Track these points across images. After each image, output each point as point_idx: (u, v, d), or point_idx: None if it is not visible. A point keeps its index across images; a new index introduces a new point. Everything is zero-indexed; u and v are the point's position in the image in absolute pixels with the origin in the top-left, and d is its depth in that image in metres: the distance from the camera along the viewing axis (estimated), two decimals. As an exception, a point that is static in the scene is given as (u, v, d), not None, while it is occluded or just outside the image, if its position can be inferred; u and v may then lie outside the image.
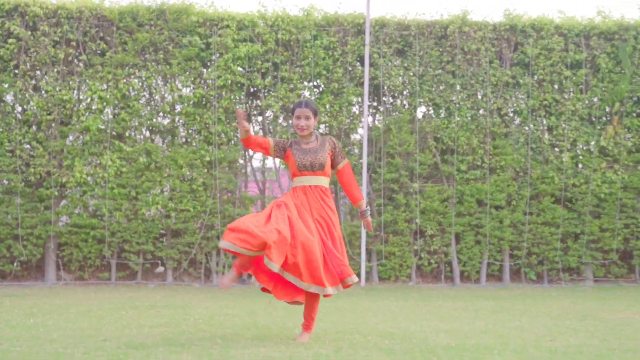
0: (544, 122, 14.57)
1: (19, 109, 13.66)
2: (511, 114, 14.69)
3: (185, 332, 7.59)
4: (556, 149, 14.58)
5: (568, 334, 7.76)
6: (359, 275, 13.99)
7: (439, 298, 11.77)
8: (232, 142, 14.08)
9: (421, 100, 14.37)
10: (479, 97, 14.48)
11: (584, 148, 14.61)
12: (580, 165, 14.60)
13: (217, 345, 6.62)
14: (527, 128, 14.53)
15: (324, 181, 7.01)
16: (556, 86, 14.58)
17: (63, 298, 11.18)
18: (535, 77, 14.52)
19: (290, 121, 14.28)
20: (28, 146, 13.68)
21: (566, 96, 14.49)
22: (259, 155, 14.31)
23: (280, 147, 7.08)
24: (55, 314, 9.02)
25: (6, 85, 13.47)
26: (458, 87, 14.34)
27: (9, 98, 13.64)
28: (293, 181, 7.10)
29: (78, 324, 8.15)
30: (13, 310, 9.42)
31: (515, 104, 14.52)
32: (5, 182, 13.51)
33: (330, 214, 6.92)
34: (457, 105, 14.28)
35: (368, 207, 7.32)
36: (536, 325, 8.39)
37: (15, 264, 13.45)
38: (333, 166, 7.12)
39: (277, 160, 14.32)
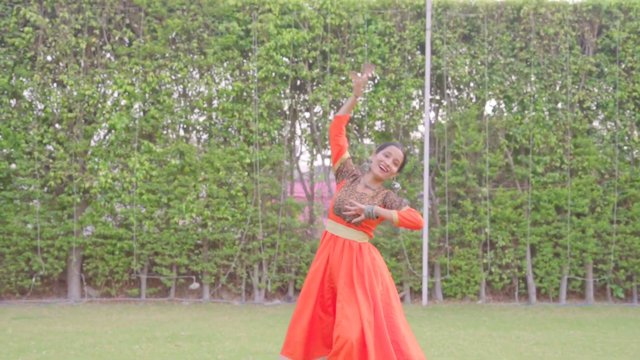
0: (633, 116, 13.03)
1: (38, 105, 12.31)
2: (595, 108, 13.27)
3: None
4: (647, 148, 13.02)
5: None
6: (420, 292, 12.38)
7: (513, 323, 10.09)
8: (276, 141, 12.56)
9: (491, 92, 12.91)
10: (558, 88, 13.01)
11: (680, 146, 13.02)
12: (676, 166, 12.97)
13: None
14: (613, 124, 13.12)
15: (356, 236, 5.46)
16: (647, 75, 13.02)
17: (78, 322, 9.82)
18: (623, 65, 13.04)
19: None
20: (48, 147, 12.39)
21: (659, 86, 12.91)
22: (305, 156, 12.82)
23: (347, 169, 5.69)
24: (53, 349, 7.54)
25: (23, 80, 12.18)
26: (533, 77, 12.90)
27: (26, 93, 12.38)
28: (326, 224, 5.71)
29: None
30: (11, 340, 8.02)
31: (599, 96, 13.01)
32: (24, 187, 12.18)
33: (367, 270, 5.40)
34: (532, 98, 12.81)
35: (373, 209, 5.40)
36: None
37: (34, 279, 12.11)
38: None
39: (327, 161, 12.77)
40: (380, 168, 5.49)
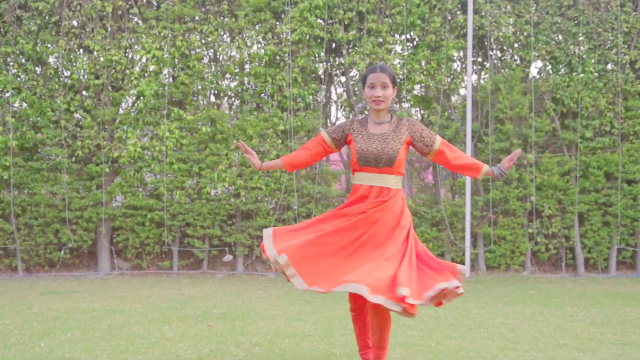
0: None
1: (64, 72, 11.86)
2: None
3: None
4: None
5: None
6: (462, 263, 11.83)
7: (564, 298, 9.52)
8: (310, 107, 12.05)
9: (536, 53, 12.26)
10: (607, 48, 12.28)
11: None
12: None
13: None
14: None
15: (391, 181, 5.13)
16: None
17: (109, 296, 9.42)
18: None
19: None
20: (75, 115, 11.98)
21: None
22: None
23: (340, 134, 5.29)
24: (79, 331, 7.11)
25: (49, 45, 11.76)
26: (581, 37, 12.23)
27: (52, 60, 11.95)
28: (353, 177, 5.27)
29: (96, 352, 6.17)
30: (36, 319, 7.66)
31: None
32: (51, 157, 11.81)
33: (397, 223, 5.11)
34: (581, 59, 12.15)
35: (496, 167, 5.19)
36: None
37: (63, 252, 11.76)
38: (425, 153, 5.24)
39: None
40: (374, 102, 5.10)
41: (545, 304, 9.02)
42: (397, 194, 5.08)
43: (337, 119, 12.58)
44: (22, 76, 11.81)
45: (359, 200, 5.10)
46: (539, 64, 12.39)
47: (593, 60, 12.12)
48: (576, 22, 12.24)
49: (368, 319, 5.25)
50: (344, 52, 12.21)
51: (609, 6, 12.15)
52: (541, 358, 5.97)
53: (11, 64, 11.77)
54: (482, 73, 12.49)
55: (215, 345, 6.42)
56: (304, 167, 5.46)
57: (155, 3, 12.12)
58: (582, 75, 12.04)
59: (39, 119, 11.70)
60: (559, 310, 8.57)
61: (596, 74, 12.18)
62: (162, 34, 11.79)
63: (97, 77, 11.80)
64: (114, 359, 5.93)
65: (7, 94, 11.72)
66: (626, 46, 12.18)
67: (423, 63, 12.10)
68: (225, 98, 12.43)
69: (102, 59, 11.73)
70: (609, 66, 12.22)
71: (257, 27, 12.05)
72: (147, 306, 8.72)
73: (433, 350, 6.26)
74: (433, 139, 5.15)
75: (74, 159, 11.97)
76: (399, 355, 6.02)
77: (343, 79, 12.53)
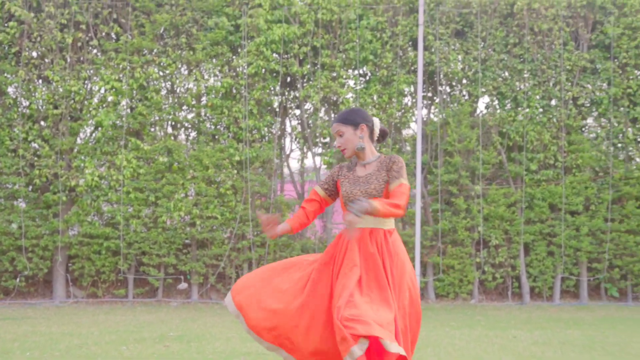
0: (627, 113, 12.90)
1: (23, 102, 12.12)
2: (589, 105, 13.12)
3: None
4: (642, 145, 12.89)
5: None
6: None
7: (509, 323, 9.91)
8: (266, 138, 12.37)
9: (484, 89, 12.78)
10: (551, 85, 12.89)
11: (675, 143, 12.92)
12: (671, 164, 12.87)
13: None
14: (607, 120, 12.97)
15: (380, 221, 4.81)
16: (642, 71, 12.84)
17: (64, 322, 9.58)
18: (617, 62, 12.95)
19: (332, 114, 12.55)
20: (33, 145, 12.20)
21: (653, 83, 12.83)
22: (296, 154, 12.61)
23: (331, 183, 5.03)
24: (38, 350, 7.29)
25: (8, 76, 11.99)
26: (526, 74, 12.77)
27: (10, 90, 12.21)
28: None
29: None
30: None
31: (593, 93, 12.87)
32: (8, 186, 12.00)
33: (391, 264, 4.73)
34: (526, 94, 12.69)
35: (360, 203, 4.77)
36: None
37: (18, 279, 11.88)
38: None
39: (318, 159, 12.60)
40: (342, 152, 4.93)
41: (491, 328, 9.39)
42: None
43: (291, 150, 12.92)
44: (-19, 105, 12.01)
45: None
46: (486, 99, 12.89)
47: (538, 96, 12.65)
48: (521, 59, 12.78)
49: None
50: (299, 85, 12.59)
51: (552, 45, 12.74)
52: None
53: (-30, 93, 11.96)
54: (432, 107, 12.99)
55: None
56: (307, 226, 5.38)
57: (114, 35, 12.41)
58: (527, 110, 12.58)
59: (-4, 147, 11.89)
60: (503, 332, 8.93)
61: (540, 109, 12.72)
62: (121, 66, 12.07)
63: (56, 107, 12.02)
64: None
65: (-35, 123, 11.91)
66: (569, 83, 12.74)
67: (375, 97, 12.53)
68: (182, 129, 12.72)
69: (61, 89, 11.96)
70: (553, 102, 12.79)
71: (214, 60, 12.40)
72: (104, 330, 8.90)
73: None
74: (395, 180, 4.76)
75: (31, 187, 12.12)
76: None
77: (297, 111, 12.89)
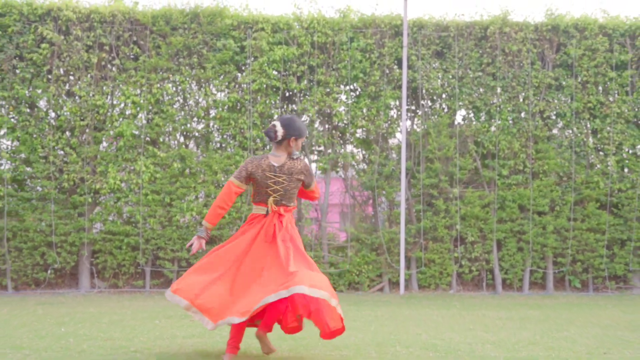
0: (588, 125, 14.00)
1: (53, 114, 13.46)
2: (554, 117, 14.17)
3: (219, 342, 7.30)
4: (601, 153, 14.04)
5: (622, 345, 7.35)
6: (398, 283, 13.60)
7: (481, 307, 11.36)
8: (267, 147, 13.79)
9: (461, 103, 13.92)
10: (521, 99, 13.98)
11: (630, 152, 14.06)
12: (626, 170, 14.02)
13: (252, 358, 6.30)
14: (570, 131, 14.04)
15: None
16: (601, 88, 14.07)
17: (96, 306, 10.95)
18: (579, 79, 14.00)
19: (327, 125, 13.95)
20: (62, 152, 13.47)
21: (611, 98, 13.93)
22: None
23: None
24: (87, 323, 8.78)
25: (39, 91, 13.29)
26: (499, 90, 13.88)
27: (42, 104, 13.48)
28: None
29: (109, 333, 7.90)
30: (45, 319, 9.21)
31: (558, 107, 13.93)
32: (39, 188, 13.34)
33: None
34: (498, 108, 13.84)
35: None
36: (586, 336, 8.00)
37: (49, 272, 13.25)
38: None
39: (314, 165, 13.99)
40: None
41: (464, 309, 10.89)
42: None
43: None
44: (16, 117, 13.30)
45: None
46: (463, 112, 14.09)
47: (508, 110, 13.74)
48: (494, 77, 13.82)
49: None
50: (297, 100, 13.86)
51: (521, 64, 13.86)
52: (455, 337, 7.84)
53: (6, 106, 13.32)
54: (415, 119, 14.11)
55: (202, 330, 8.17)
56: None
57: (133, 55, 13.69)
58: (499, 122, 13.71)
59: (30, 154, 13.18)
60: (474, 312, 10.44)
61: (511, 121, 13.81)
62: (140, 83, 13.39)
63: (82, 119, 13.32)
64: (123, 341, 7.63)
65: (1, 132, 13.31)
66: (536, 98, 13.82)
67: (364, 110, 13.77)
68: (193, 138, 13.97)
69: (86, 103, 13.27)
70: (522, 115, 13.84)
71: (221, 77, 13.63)
72: (135, 310, 10.35)
73: (373, 333, 8.09)
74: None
75: (60, 190, 13.40)
76: (341, 342, 7.80)
77: (295, 123, 14.22)
